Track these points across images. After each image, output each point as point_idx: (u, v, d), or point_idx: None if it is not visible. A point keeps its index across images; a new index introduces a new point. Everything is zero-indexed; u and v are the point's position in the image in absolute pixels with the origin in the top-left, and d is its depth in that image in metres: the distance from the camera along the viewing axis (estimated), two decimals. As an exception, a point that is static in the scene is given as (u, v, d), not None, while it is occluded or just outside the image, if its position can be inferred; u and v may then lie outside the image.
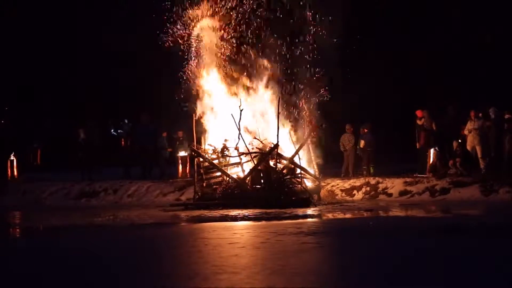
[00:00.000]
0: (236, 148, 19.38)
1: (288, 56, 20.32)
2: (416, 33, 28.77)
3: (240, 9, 20.10)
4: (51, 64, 32.33)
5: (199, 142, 20.16)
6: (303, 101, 20.45)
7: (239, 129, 19.27)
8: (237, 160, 19.42)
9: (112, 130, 25.35)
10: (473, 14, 28.17)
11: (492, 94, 24.96)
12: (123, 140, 25.07)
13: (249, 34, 20.19)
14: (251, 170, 18.99)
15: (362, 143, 22.41)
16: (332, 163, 22.77)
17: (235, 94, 20.36)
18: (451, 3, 28.50)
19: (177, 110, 21.17)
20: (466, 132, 20.71)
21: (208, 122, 20.40)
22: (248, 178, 18.95)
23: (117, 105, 31.24)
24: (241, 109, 19.40)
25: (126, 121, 25.36)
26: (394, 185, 20.03)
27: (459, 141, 20.91)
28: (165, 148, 24.08)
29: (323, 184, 20.51)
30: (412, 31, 28.74)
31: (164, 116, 25.11)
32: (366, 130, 22.59)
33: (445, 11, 28.59)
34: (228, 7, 20.08)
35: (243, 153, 19.29)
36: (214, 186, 19.31)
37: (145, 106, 26.62)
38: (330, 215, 16.19)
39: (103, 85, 31.82)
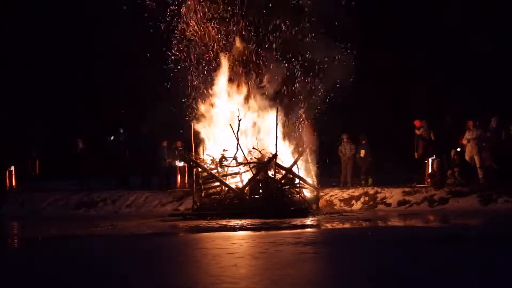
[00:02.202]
0: (235, 158, 19.37)
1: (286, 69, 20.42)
2: (415, 38, 28.84)
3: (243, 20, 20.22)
4: (51, 69, 32.36)
5: (197, 152, 20.16)
6: (302, 110, 20.49)
7: (237, 139, 19.27)
8: (235, 170, 19.42)
9: (112, 137, 25.32)
10: (473, 22, 28.25)
11: (493, 103, 24.98)
12: (121, 149, 25.06)
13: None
14: (250, 180, 18.99)
15: (362, 152, 22.44)
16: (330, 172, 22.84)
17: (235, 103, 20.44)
18: (450, 11, 28.58)
19: (177, 120, 21.19)
20: (464, 141, 20.71)
21: (207, 132, 20.43)
22: (246, 188, 18.94)
23: (117, 114, 31.18)
24: (239, 119, 19.42)
25: (121, 130, 25.31)
26: (393, 195, 20.04)
27: (457, 150, 20.93)
28: (164, 158, 23.96)
29: (321, 194, 20.52)
30: (412, 34, 28.81)
31: (164, 126, 25.04)
32: (364, 142, 22.64)
33: (444, 18, 28.67)
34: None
35: (241, 163, 19.28)
36: (213, 196, 19.31)
37: (145, 115, 26.58)
38: (328, 225, 16.18)
39: (103, 92, 31.79)
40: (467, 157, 20.68)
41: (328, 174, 22.86)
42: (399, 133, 25.11)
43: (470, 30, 28.17)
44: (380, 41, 27.80)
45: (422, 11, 28.98)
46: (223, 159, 19.41)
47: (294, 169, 19.41)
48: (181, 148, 23.34)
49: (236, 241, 13.15)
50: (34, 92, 33.16)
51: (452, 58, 28.49)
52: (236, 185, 19.25)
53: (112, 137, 25.35)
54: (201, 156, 20.03)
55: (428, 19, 28.93)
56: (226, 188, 19.12)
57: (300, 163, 19.71)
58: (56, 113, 33.18)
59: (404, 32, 28.69)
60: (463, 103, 25.88)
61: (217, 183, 19.38)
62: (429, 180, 20.70)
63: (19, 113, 32.41)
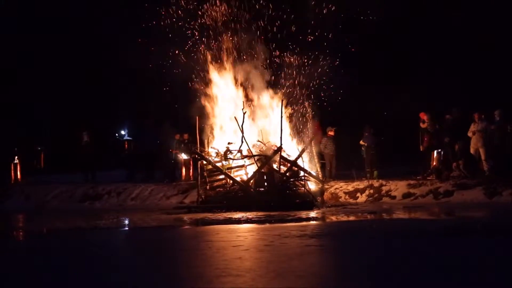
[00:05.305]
0: (240, 151, 19.36)
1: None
2: (417, 34, 28.77)
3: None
4: (53, 63, 32.40)
5: (202, 144, 20.16)
6: (306, 104, 20.46)
7: (242, 132, 19.25)
8: (240, 163, 19.41)
9: (124, 132, 25.50)
10: (475, 15, 28.17)
11: (498, 96, 24.93)
12: (126, 143, 25.12)
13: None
14: (255, 173, 18.99)
15: (365, 144, 22.44)
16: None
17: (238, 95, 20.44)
18: (453, 4, 28.52)
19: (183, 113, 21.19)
20: (470, 134, 20.68)
21: (213, 124, 20.43)
22: (251, 181, 18.94)
23: (118, 108, 31.26)
24: (244, 111, 19.39)
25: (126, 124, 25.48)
26: (398, 187, 20.03)
27: (460, 141, 20.84)
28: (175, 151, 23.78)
29: (326, 186, 20.51)
30: (413, 31, 28.74)
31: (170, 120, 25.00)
32: (366, 134, 22.59)
33: (446, 12, 28.59)
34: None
35: (246, 156, 19.28)
36: (218, 189, 19.31)
37: (148, 109, 26.60)
38: (333, 218, 16.18)
39: (105, 87, 31.84)
40: (472, 150, 20.65)
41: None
42: (403, 125, 25.11)
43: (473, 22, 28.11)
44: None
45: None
46: (228, 152, 19.41)
47: (299, 161, 19.40)
48: (187, 141, 23.32)
49: (241, 233, 13.16)
50: (39, 86, 33.25)
51: (455, 51, 28.47)
52: (241, 178, 19.25)
53: (123, 132, 25.48)
54: (206, 149, 20.03)
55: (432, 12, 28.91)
56: (231, 181, 19.12)
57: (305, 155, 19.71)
58: (62, 106, 33.24)
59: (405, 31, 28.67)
60: (468, 96, 25.85)
61: (222, 176, 19.38)
62: (430, 170, 20.65)
63: (25, 107, 32.50)
